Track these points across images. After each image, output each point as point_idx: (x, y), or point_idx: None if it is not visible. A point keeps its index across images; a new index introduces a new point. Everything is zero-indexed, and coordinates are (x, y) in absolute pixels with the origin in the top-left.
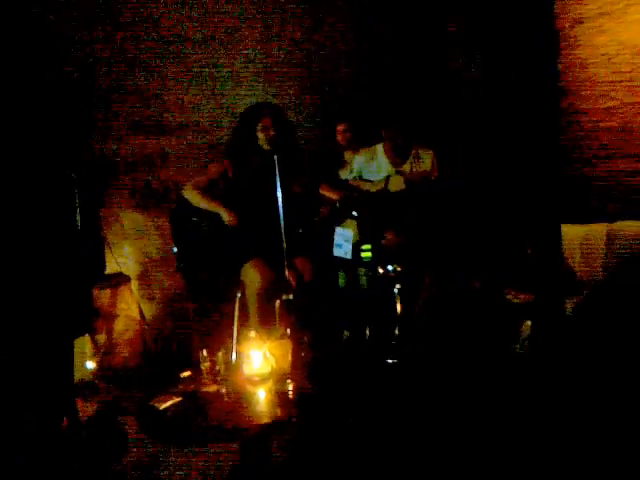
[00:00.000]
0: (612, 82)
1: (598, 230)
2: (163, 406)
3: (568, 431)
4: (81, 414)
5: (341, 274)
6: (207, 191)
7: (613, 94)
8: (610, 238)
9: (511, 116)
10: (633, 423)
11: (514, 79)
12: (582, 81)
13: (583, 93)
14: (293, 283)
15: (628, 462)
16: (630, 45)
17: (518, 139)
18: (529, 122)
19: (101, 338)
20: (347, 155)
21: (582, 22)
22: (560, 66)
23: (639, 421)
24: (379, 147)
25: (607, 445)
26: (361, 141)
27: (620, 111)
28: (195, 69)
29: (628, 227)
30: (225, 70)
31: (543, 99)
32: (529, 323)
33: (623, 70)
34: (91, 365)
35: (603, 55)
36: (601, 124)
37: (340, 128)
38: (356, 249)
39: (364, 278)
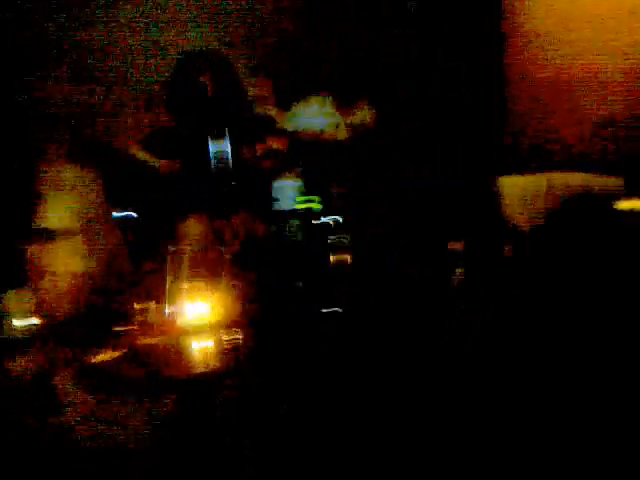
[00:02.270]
0: (554, 36)
1: (536, 181)
2: (98, 359)
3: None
4: (13, 371)
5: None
6: (148, 144)
7: (555, 47)
8: (548, 189)
9: (451, 71)
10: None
11: (460, 46)
12: (525, 35)
13: (525, 47)
14: (236, 236)
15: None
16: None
17: (459, 92)
18: (470, 75)
19: (36, 295)
20: (269, 108)
21: None
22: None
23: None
24: (323, 99)
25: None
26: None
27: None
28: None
29: (565, 178)
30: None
31: (484, 55)
32: (461, 271)
33: (565, 24)
34: (25, 321)
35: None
36: (544, 77)
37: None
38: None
39: (296, 232)
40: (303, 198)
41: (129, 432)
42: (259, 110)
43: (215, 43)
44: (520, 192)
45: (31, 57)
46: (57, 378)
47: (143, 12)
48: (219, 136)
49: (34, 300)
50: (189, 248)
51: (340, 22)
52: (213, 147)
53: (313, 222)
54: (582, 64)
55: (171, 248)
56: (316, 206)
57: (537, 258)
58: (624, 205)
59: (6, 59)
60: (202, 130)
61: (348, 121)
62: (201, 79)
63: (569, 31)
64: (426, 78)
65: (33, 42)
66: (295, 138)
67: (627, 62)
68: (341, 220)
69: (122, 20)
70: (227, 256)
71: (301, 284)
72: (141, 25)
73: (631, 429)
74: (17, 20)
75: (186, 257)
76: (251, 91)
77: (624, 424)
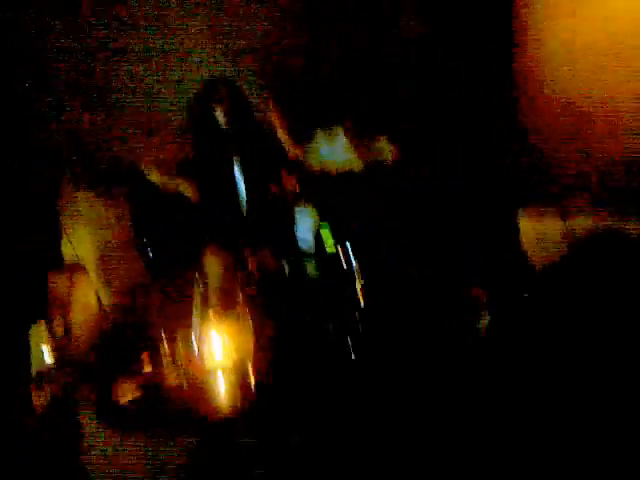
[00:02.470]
0: (571, 75)
1: (555, 225)
2: (124, 400)
3: (523, 425)
4: (36, 404)
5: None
6: (168, 171)
7: (571, 87)
8: (567, 233)
9: (468, 110)
10: (586, 416)
11: (473, 75)
12: (541, 77)
13: (541, 88)
14: (255, 273)
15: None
16: (587, 39)
17: (476, 129)
18: (487, 119)
19: (57, 327)
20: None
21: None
22: (517, 62)
23: (592, 412)
24: (339, 131)
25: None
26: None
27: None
28: (145, 44)
29: (585, 222)
30: (176, 46)
31: (501, 98)
32: (487, 316)
33: (580, 65)
34: (47, 354)
35: (562, 51)
36: (561, 117)
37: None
38: (317, 237)
39: (313, 268)
40: (317, 230)
41: (147, 469)
42: (274, 141)
43: (231, 74)
44: (539, 236)
45: (48, 88)
46: (78, 412)
47: (160, 43)
48: (234, 165)
49: (57, 332)
50: (212, 281)
51: (359, 58)
52: (231, 177)
53: (327, 254)
54: (599, 103)
55: (196, 279)
56: (331, 245)
57: (556, 299)
58: None
59: (22, 92)
60: (219, 160)
61: (365, 155)
62: (217, 110)
63: (585, 71)
64: (446, 115)
65: (50, 74)
66: (310, 171)
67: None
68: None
69: (139, 50)
70: (248, 290)
71: (330, 325)
72: (159, 55)
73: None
74: (34, 51)
75: (210, 291)
76: (266, 122)
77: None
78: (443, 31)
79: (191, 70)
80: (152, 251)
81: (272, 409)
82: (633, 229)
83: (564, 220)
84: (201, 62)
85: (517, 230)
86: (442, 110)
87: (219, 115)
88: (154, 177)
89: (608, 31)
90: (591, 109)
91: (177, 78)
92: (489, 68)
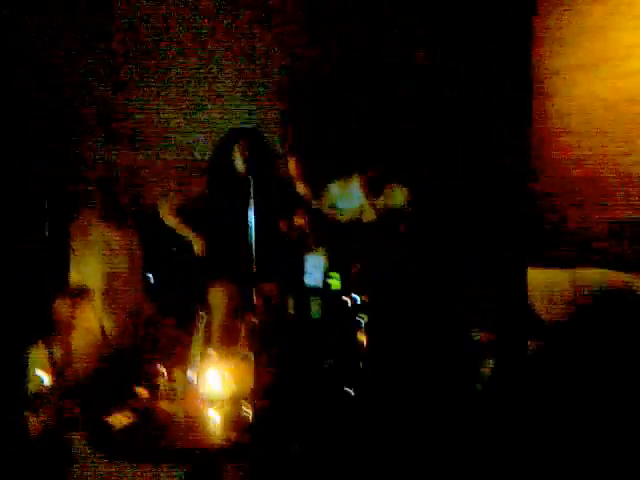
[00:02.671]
0: (583, 133)
1: (562, 276)
2: (118, 426)
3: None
4: (30, 428)
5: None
6: (181, 213)
7: (584, 144)
8: (574, 285)
9: (483, 162)
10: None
11: (489, 127)
12: (554, 130)
13: (555, 142)
14: (260, 308)
15: None
16: (601, 98)
17: (489, 184)
18: (500, 170)
19: (58, 351)
20: (300, 187)
21: (558, 73)
22: (534, 115)
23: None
24: (354, 179)
25: None
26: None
27: (589, 161)
28: (174, 85)
29: (591, 275)
30: (205, 87)
31: (515, 148)
32: (491, 362)
33: (594, 122)
34: (45, 377)
35: (576, 106)
36: (572, 173)
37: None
38: (324, 278)
39: (317, 307)
40: (325, 275)
41: None
42: (288, 186)
43: (253, 122)
44: (547, 287)
45: (69, 119)
46: (71, 435)
47: (185, 88)
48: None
49: (57, 355)
50: (217, 316)
51: (373, 105)
52: (242, 218)
53: (333, 299)
54: (611, 161)
55: (201, 314)
56: (336, 284)
57: (563, 354)
58: None
59: (44, 119)
60: (233, 203)
61: (376, 203)
62: (237, 156)
63: (599, 129)
64: (459, 165)
65: (71, 104)
66: (322, 217)
67: None
68: (359, 300)
69: (162, 92)
70: (251, 325)
71: (330, 362)
72: (182, 99)
73: None
74: (58, 81)
75: (214, 325)
76: (282, 169)
77: None
78: (460, 76)
79: (221, 117)
80: (158, 283)
81: (268, 443)
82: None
83: (572, 271)
84: (230, 108)
85: (525, 278)
86: (459, 161)
87: (238, 161)
88: (168, 221)
89: (627, 90)
90: (603, 168)
91: (206, 122)
92: (505, 119)
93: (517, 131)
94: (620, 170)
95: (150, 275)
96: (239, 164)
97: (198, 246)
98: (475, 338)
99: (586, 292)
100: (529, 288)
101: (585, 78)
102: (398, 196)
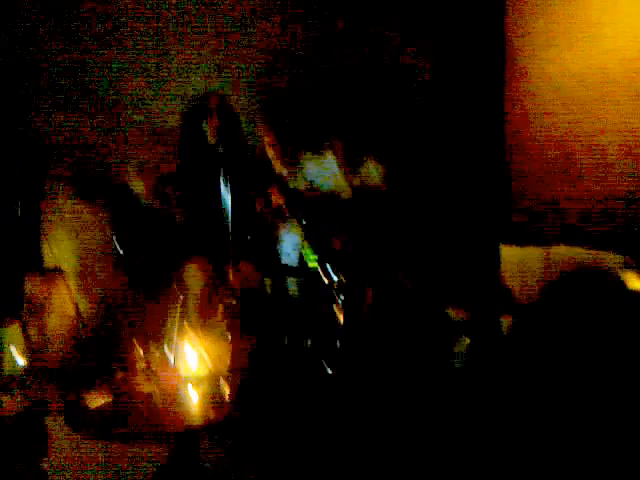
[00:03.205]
0: (558, 112)
1: (535, 253)
2: (94, 405)
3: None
4: (5, 410)
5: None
6: (154, 187)
7: (558, 123)
8: (546, 262)
9: (457, 140)
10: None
11: (462, 105)
12: (529, 109)
13: (529, 121)
14: (237, 286)
15: None
16: (577, 74)
17: (463, 162)
18: (473, 147)
19: (32, 331)
20: (276, 165)
21: (532, 52)
22: (508, 94)
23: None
24: (329, 154)
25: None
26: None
27: (564, 139)
28: (143, 56)
29: (564, 252)
30: (175, 60)
31: (490, 126)
32: (466, 339)
33: (569, 101)
34: (21, 359)
35: (550, 85)
36: (546, 151)
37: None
38: (301, 257)
39: (294, 286)
40: (301, 252)
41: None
42: (262, 158)
43: (220, 89)
44: (519, 264)
45: (37, 91)
46: (47, 418)
47: (151, 55)
48: (219, 182)
49: (30, 336)
50: (192, 293)
51: (352, 75)
52: (216, 193)
53: (310, 278)
54: (585, 140)
55: (175, 291)
56: (313, 263)
57: (535, 331)
58: (623, 281)
59: (12, 94)
60: (205, 176)
61: (352, 179)
62: (205, 125)
63: (573, 107)
64: (435, 143)
65: (38, 77)
66: (297, 192)
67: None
68: (337, 279)
69: (130, 60)
70: (228, 304)
71: (308, 341)
72: (149, 67)
73: None
74: (26, 54)
75: (189, 302)
76: (254, 140)
77: None
78: (435, 61)
79: (188, 84)
80: (131, 260)
81: (244, 422)
82: (610, 261)
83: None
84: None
85: (498, 255)
86: (433, 139)
87: (207, 129)
88: (138, 187)
89: (600, 68)
90: (577, 146)
91: (175, 92)
92: (479, 97)
93: (491, 110)
94: (594, 148)
95: (123, 252)
96: (208, 130)
97: (172, 221)
98: (449, 315)
99: (558, 269)
100: (502, 265)
101: (559, 57)
102: (373, 172)
